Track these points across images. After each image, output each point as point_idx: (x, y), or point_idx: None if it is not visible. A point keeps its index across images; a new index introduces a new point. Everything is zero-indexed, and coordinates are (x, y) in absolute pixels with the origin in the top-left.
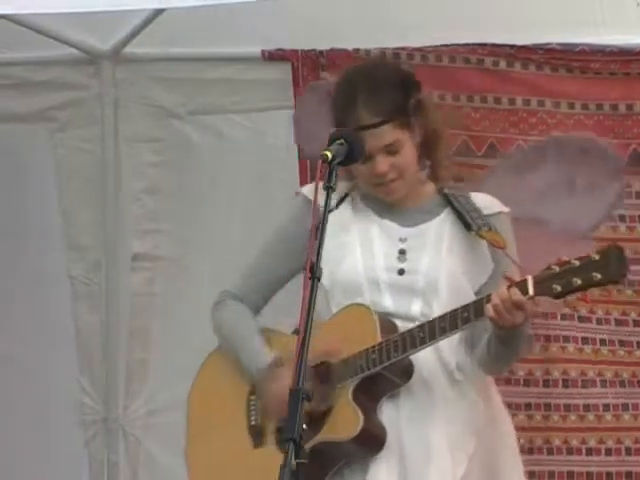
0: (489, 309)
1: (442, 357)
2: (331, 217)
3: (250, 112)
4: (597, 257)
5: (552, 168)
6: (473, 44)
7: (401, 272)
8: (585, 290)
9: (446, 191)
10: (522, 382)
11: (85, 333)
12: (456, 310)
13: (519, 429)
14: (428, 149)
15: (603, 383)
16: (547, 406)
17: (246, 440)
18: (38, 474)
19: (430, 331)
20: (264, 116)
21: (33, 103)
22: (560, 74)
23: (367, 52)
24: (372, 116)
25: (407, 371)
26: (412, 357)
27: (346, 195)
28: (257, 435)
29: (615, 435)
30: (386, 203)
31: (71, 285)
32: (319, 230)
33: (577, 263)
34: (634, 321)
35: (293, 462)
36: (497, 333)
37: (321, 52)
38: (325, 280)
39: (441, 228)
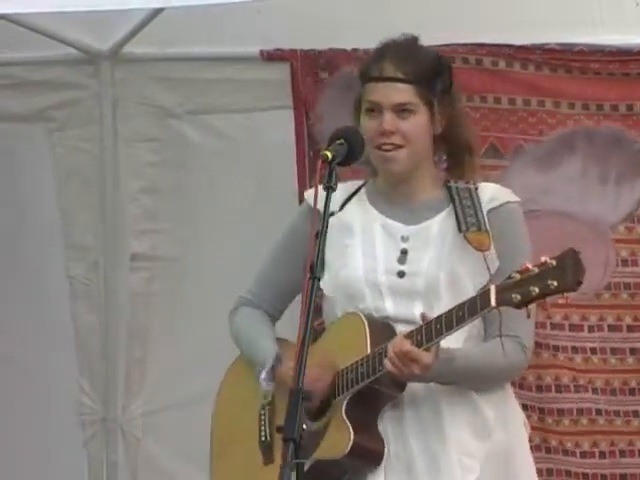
0: (387, 363)
1: None
2: (335, 219)
3: (249, 112)
4: (554, 263)
5: (581, 159)
6: (472, 44)
7: (401, 274)
8: (544, 298)
9: (450, 184)
10: (517, 385)
11: (84, 333)
12: (449, 312)
13: None
14: (451, 149)
15: (595, 390)
16: (541, 410)
17: (258, 457)
18: (38, 474)
19: (417, 338)
20: (263, 116)
21: (31, 103)
22: (559, 74)
23: (366, 52)
24: (395, 71)
25: (398, 382)
26: None
27: (352, 195)
28: (266, 451)
29: (609, 438)
30: (391, 199)
31: (70, 285)
32: (321, 231)
33: (536, 270)
34: (628, 326)
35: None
36: None
37: (320, 52)
38: (327, 286)
39: (444, 225)
